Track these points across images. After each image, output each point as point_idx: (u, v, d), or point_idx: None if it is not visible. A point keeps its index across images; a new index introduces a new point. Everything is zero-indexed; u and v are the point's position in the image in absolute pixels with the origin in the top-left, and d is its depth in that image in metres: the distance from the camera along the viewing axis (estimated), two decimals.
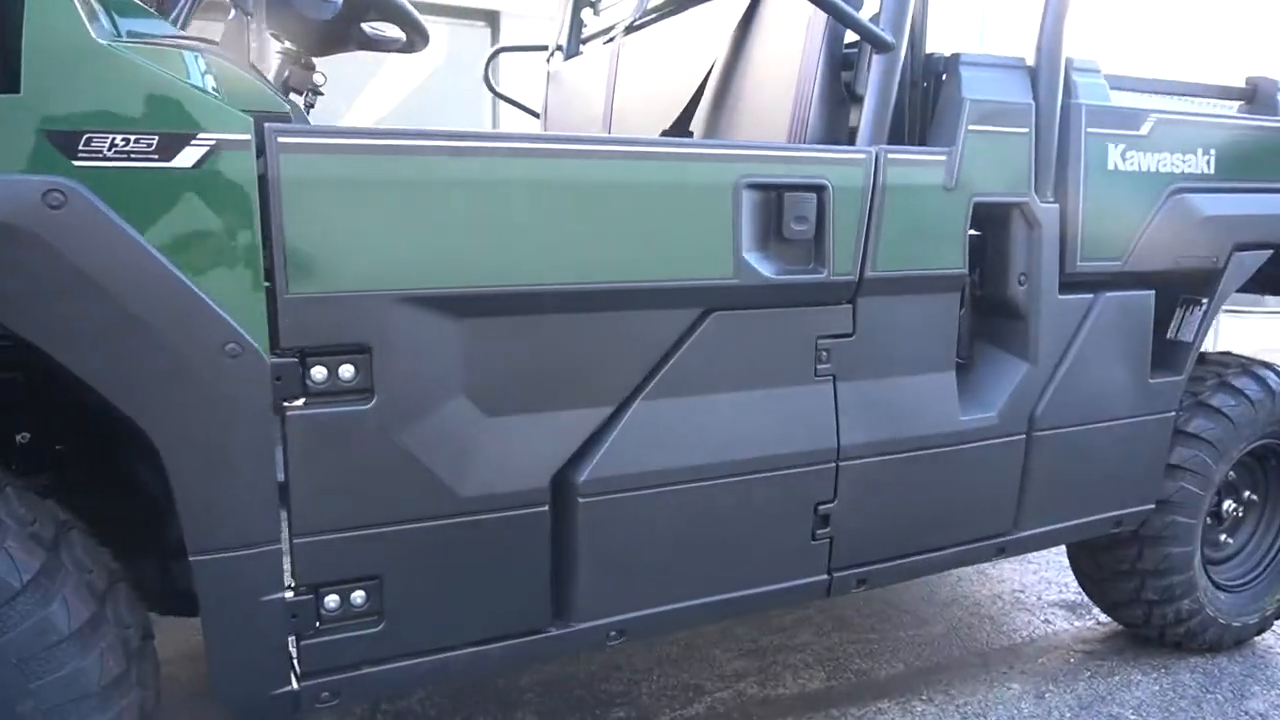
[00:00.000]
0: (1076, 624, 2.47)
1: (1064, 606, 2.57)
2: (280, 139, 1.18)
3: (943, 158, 1.63)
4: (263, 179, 1.18)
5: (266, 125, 1.18)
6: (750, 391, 1.54)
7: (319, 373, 1.25)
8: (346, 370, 1.27)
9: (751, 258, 1.48)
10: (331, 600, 1.30)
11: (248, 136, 1.16)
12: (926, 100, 1.74)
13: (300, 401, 1.25)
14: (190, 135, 1.13)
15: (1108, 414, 1.90)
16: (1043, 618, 2.50)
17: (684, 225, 1.43)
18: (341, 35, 1.61)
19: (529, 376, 1.38)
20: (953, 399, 1.72)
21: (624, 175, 1.38)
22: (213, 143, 1.14)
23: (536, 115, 3.04)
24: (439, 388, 1.32)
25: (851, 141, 1.63)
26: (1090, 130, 1.80)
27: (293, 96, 1.62)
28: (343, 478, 1.27)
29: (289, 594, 1.27)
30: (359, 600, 1.32)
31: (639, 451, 1.46)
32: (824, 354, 1.59)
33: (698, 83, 1.99)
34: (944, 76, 1.72)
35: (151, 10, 1.32)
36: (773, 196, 1.50)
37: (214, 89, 1.17)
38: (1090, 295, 1.85)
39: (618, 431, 1.45)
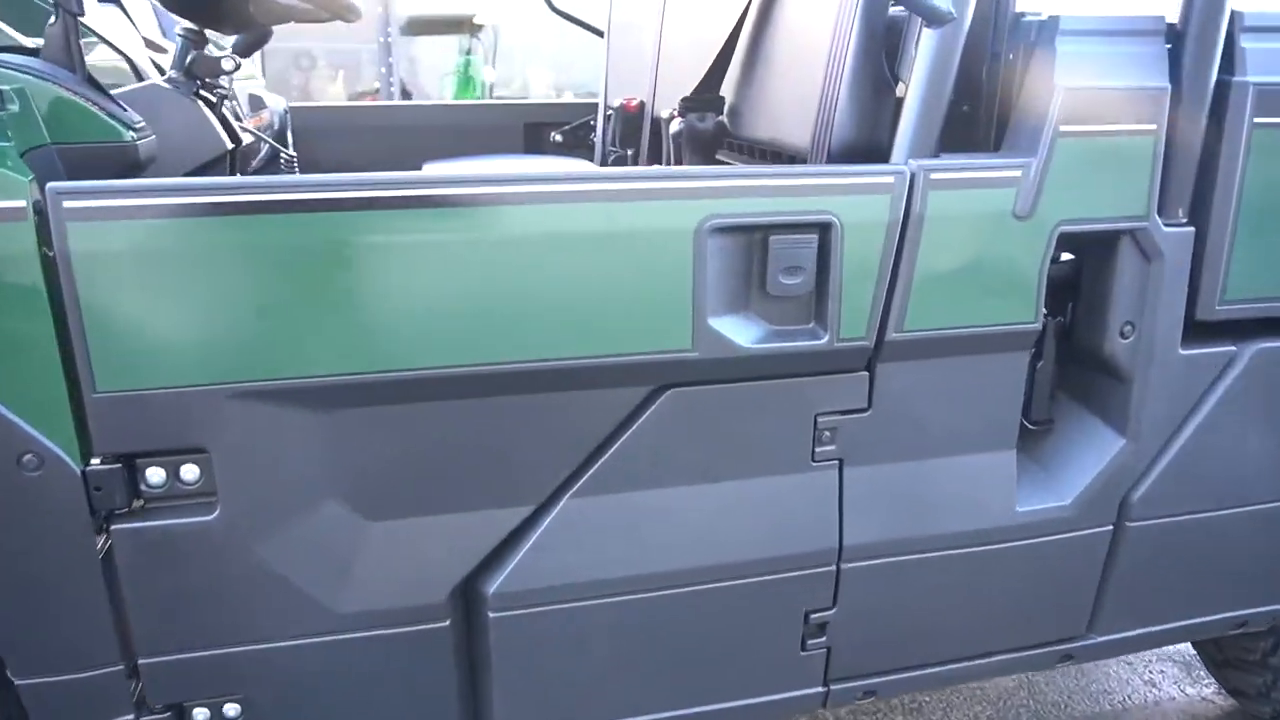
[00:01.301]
0: (1189, 691, 2.04)
1: (1175, 664, 2.13)
2: (67, 203, 0.93)
3: (1015, 173, 1.18)
4: (49, 254, 0.94)
5: (49, 187, 0.93)
6: (720, 483, 1.22)
7: (155, 475, 1.05)
8: (189, 471, 1.06)
9: (720, 324, 1.13)
10: (200, 714, 1.14)
11: (22, 203, 0.92)
12: (1009, 85, 1.26)
13: (132, 511, 1.05)
14: None
15: (1239, 498, 1.44)
16: (1146, 676, 2.08)
17: (620, 285, 1.09)
18: (243, 11, 1.32)
19: (420, 474, 1.12)
20: (1008, 484, 1.32)
21: (528, 223, 1.05)
22: None
23: (600, 33, 2.65)
24: (302, 491, 1.09)
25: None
26: (1260, 121, 1.26)
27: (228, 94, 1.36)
28: (189, 595, 1.08)
29: (147, 716, 1.12)
30: (233, 714, 1.15)
31: (567, 557, 1.19)
32: (826, 434, 1.23)
33: (727, 33, 1.56)
34: (1033, 50, 1.23)
35: None
36: (753, 240, 1.12)
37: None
38: (1230, 347, 1.35)
39: (539, 534, 1.17)
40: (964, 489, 1.30)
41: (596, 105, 2.64)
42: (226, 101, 1.40)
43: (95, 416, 0.99)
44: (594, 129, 2.55)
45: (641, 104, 2.14)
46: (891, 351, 1.20)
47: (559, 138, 2.64)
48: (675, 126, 1.63)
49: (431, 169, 2.32)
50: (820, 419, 1.22)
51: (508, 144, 2.63)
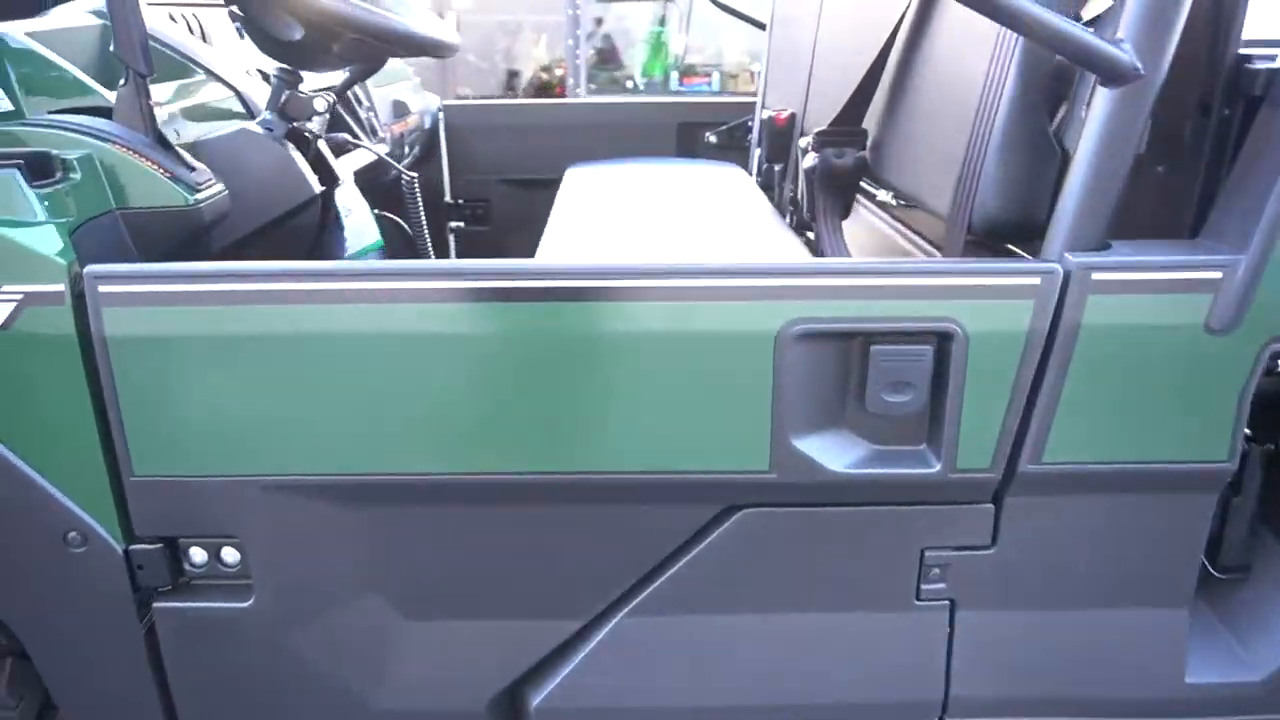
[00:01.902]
0: None
1: None
2: (103, 288, 0.90)
3: (1215, 274, 0.90)
4: (87, 337, 0.91)
5: (87, 271, 0.90)
6: (798, 615, 1.05)
7: (198, 555, 1.02)
8: (230, 554, 1.02)
9: (805, 444, 0.95)
10: None
11: (60, 287, 0.89)
12: (1221, 151, 0.97)
13: (175, 588, 1.03)
14: None
15: None
16: None
17: (686, 394, 0.93)
18: (328, 52, 1.24)
19: (464, 577, 1.03)
20: (1175, 648, 1.06)
21: (582, 322, 0.91)
22: (20, 296, 0.89)
23: (761, 26, 2.44)
24: (339, 585, 1.02)
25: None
26: None
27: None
28: (226, 676, 1.06)
29: None
30: None
31: (618, 679, 1.06)
32: (935, 571, 1.02)
33: (872, 59, 1.33)
34: (1260, 106, 0.93)
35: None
36: (850, 349, 0.93)
37: (64, 200, 0.93)
38: None
39: (589, 651, 1.05)
40: (1112, 649, 1.05)
41: (755, 105, 2.44)
42: (321, 141, 1.36)
43: (134, 500, 0.97)
44: (751, 130, 2.36)
45: (792, 117, 1.92)
46: (1025, 485, 0.97)
47: (714, 139, 2.47)
48: (809, 162, 1.42)
49: (577, 173, 2.22)
50: (929, 553, 1.01)
51: (660, 145, 2.49)
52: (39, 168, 0.94)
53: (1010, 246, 1.06)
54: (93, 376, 0.92)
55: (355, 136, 1.86)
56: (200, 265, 0.91)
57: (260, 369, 0.92)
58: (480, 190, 2.56)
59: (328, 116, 1.32)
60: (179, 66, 1.31)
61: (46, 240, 0.90)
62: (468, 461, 0.96)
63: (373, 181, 1.83)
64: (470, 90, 7.34)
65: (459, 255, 2.65)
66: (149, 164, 1.01)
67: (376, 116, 1.98)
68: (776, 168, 2.02)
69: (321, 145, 1.36)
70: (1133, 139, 0.88)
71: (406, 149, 2.19)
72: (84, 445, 0.94)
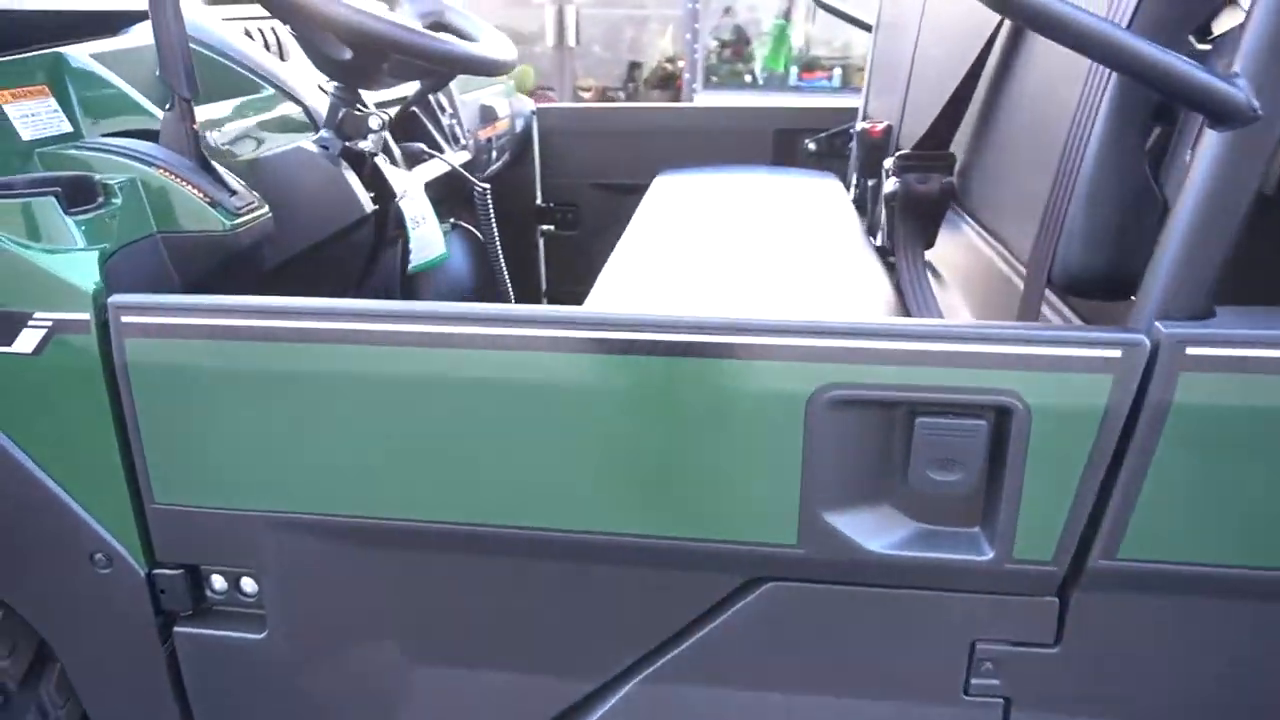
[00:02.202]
0: None
1: None
2: (125, 318, 0.90)
3: None
4: (110, 366, 0.92)
5: (111, 301, 0.90)
6: (830, 698, 0.95)
7: (218, 582, 1.02)
8: (248, 584, 1.02)
9: (837, 519, 0.85)
10: None
11: (86, 316, 0.90)
12: None
13: (196, 613, 1.03)
14: (26, 315, 0.90)
15: None
16: None
17: (706, 458, 0.85)
18: (379, 71, 1.22)
19: (477, 627, 0.99)
20: None
21: (598, 374, 0.85)
22: (49, 323, 0.90)
23: (867, 28, 2.30)
24: (351, 627, 1.00)
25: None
26: None
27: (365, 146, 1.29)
28: (242, 708, 1.05)
29: None
30: None
31: None
32: (987, 666, 0.91)
33: (965, 73, 1.21)
34: None
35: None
36: (891, 418, 0.83)
37: (101, 226, 0.94)
38: None
39: (600, 715, 0.99)
40: None
41: (858, 111, 2.30)
42: (379, 157, 1.34)
43: (156, 526, 0.98)
44: (852, 139, 2.22)
45: (889, 129, 1.79)
46: (1096, 581, 0.84)
47: (813, 146, 2.35)
48: (889, 187, 1.31)
49: (665, 181, 2.16)
50: (981, 645, 0.90)
51: (756, 152, 2.39)
52: (81, 192, 0.95)
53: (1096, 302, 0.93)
54: (116, 404, 0.93)
55: (435, 145, 1.85)
56: (222, 299, 0.89)
57: (277, 406, 0.90)
58: (571, 194, 2.53)
59: (384, 134, 1.30)
60: (248, 83, 1.32)
61: (78, 268, 0.91)
62: (485, 513, 0.91)
63: (456, 190, 1.81)
64: (594, 81, 7.37)
65: (547, 260, 2.64)
66: (190, 188, 1.01)
67: (460, 123, 1.96)
68: (870, 183, 1.89)
69: (379, 161, 1.34)
70: (1246, 190, 0.74)
71: (494, 154, 2.17)
72: (108, 470, 0.95)
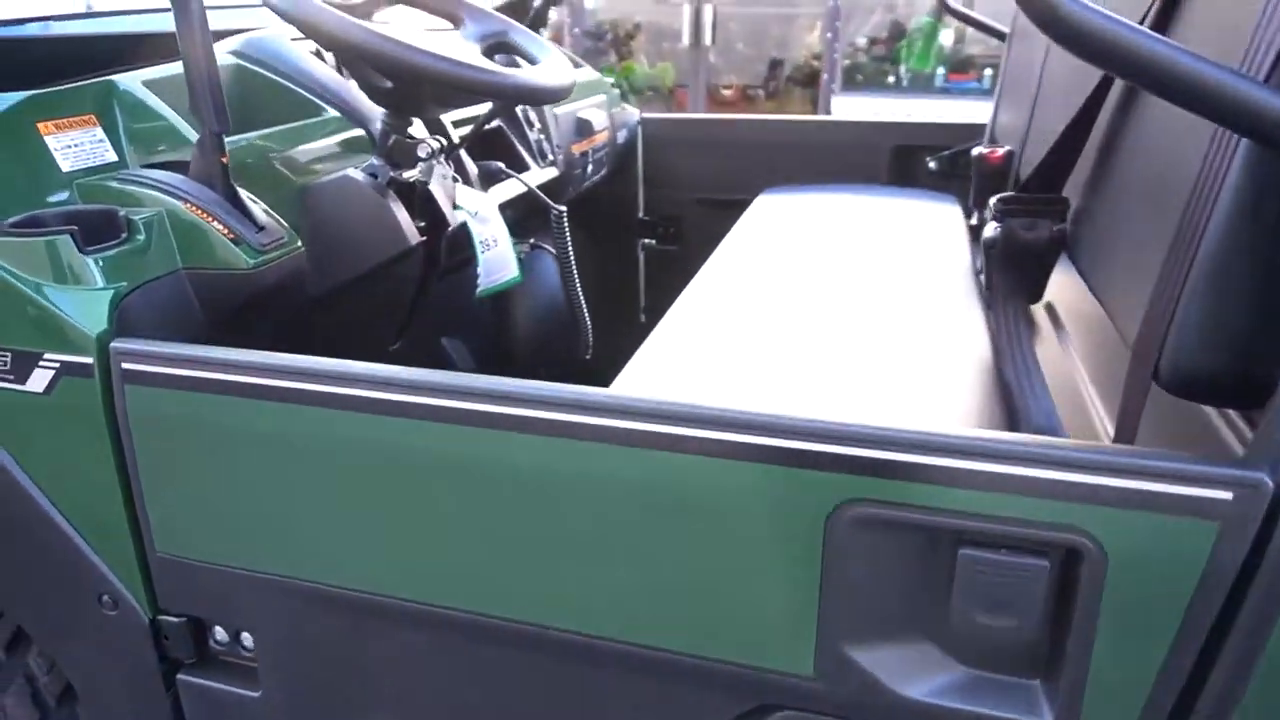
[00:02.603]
0: None
1: None
2: (125, 364, 0.87)
3: None
4: (112, 411, 0.89)
5: (112, 346, 0.87)
6: None
7: (220, 633, 0.99)
8: (248, 638, 0.98)
9: (860, 653, 0.72)
10: None
11: (89, 359, 0.88)
12: None
13: (200, 661, 1.00)
14: (38, 355, 0.89)
15: None
16: None
17: (712, 567, 0.74)
18: (421, 99, 1.14)
19: (468, 715, 0.91)
20: None
21: (580, 462, 0.74)
22: (58, 364, 0.89)
23: (1001, 37, 2.08)
24: (341, 697, 0.94)
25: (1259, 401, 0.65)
26: None
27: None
28: None
29: None
30: None
31: None
32: None
33: (1080, 107, 1.03)
34: None
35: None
36: (931, 546, 0.68)
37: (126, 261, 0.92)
38: None
39: None
40: None
41: (985, 128, 2.09)
42: (433, 184, 1.28)
43: (158, 575, 0.95)
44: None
45: (1009, 156, 1.59)
46: None
47: (934, 165, 2.15)
48: (989, 232, 1.14)
49: (767, 200, 2.03)
50: None
51: (873, 169, 2.21)
52: (104, 227, 0.93)
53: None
54: (118, 450, 0.90)
55: (520, 162, 1.79)
56: (216, 351, 0.85)
57: (270, 467, 0.85)
58: (674, 208, 2.43)
59: (433, 162, 1.24)
60: (310, 106, 1.29)
61: (87, 309, 0.89)
62: (481, 601, 0.83)
63: (540, 210, 1.75)
64: (735, 79, 7.24)
65: (647, 274, 2.55)
66: (215, 224, 0.98)
67: (550, 138, 1.90)
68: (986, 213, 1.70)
69: (435, 188, 1.28)
70: None
71: (590, 168, 2.10)
72: (113, 515, 0.93)
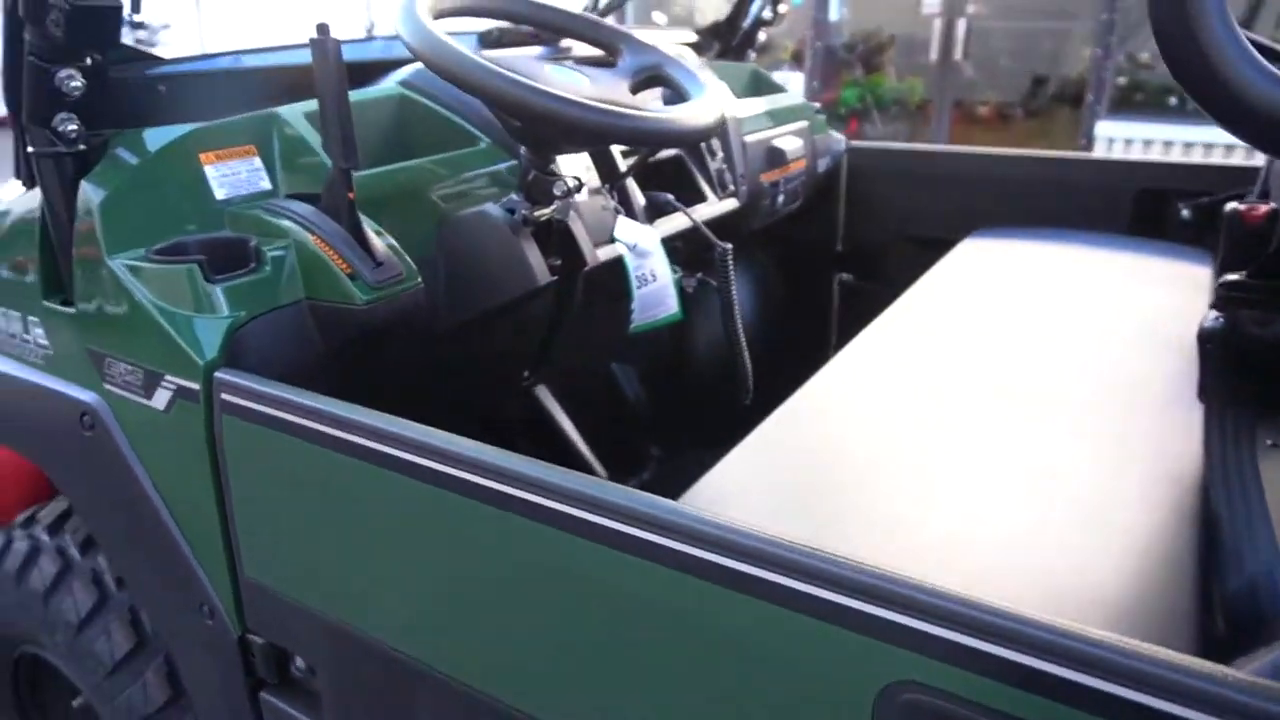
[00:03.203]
0: None
1: None
2: (224, 394, 0.89)
3: None
4: (213, 437, 0.92)
5: (216, 376, 0.90)
6: None
7: (300, 660, 1.00)
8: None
9: None
10: None
11: (197, 385, 0.91)
12: None
13: (282, 683, 1.02)
14: (162, 375, 0.94)
15: None
16: None
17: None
18: (552, 139, 1.08)
19: None
20: None
21: (649, 583, 0.65)
22: (175, 387, 0.94)
23: None
24: None
25: None
26: None
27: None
28: None
29: None
30: None
31: None
32: None
33: None
34: None
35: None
36: None
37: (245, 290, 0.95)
38: None
39: None
40: None
41: (1259, 172, 1.74)
42: (574, 222, 1.23)
43: (245, 597, 0.97)
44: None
45: (1274, 216, 1.29)
46: None
47: (1188, 214, 1.83)
48: (1208, 321, 0.91)
49: (975, 243, 1.82)
50: None
51: (1108, 215, 1.92)
52: (236, 256, 0.96)
53: None
54: (216, 475, 0.93)
55: (696, 191, 1.72)
56: (309, 398, 0.83)
57: (347, 519, 0.84)
58: (875, 243, 2.26)
59: (570, 200, 1.19)
60: (465, 136, 1.29)
61: (203, 336, 0.92)
62: (524, 699, 0.77)
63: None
64: (993, 96, 6.74)
65: (841, 310, 2.39)
66: (335, 258, 0.99)
67: (733, 168, 1.81)
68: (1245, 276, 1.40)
69: (574, 225, 1.23)
70: None
71: (781, 199, 1.98)
72: (212, 532, 0.96)
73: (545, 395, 1.69)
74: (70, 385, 1.03)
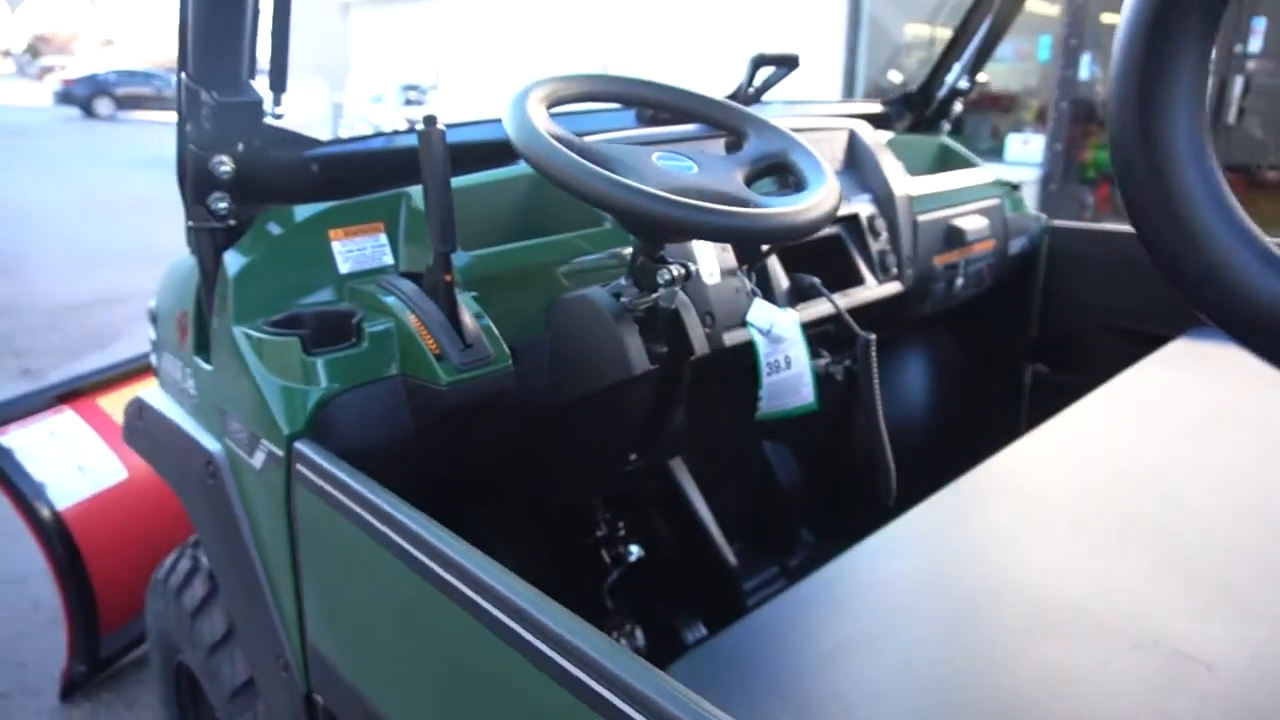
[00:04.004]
0: None
1: None
2: (299, 466, 0.95)
3: None
4: (290, 502, 0.98)
5: (295, 445, 0.96)
6: None
7: None
8: None
9: None
10: None
11: (280, 453, 0.98)
12: None
13: None
14: (259, 438, 1.02)
15: None
16: None
17: None
18: (650, 231, 1.03)
19: None
20: None
21: None
22: (267, 451, 1.01)
23: None
24: None
25: None
26: None
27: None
28: None
29: None
30: None
31: None
32: None
33: None
34: None
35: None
36: None
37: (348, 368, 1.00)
38: None
39: None
40: None
41: None
42: (685, 310, 1.19)
43: (310, 658, 1.02)
44: None
45: None
46: None
47: None
48: None
49: (1184, 345, 1.60)
50: None
51: None
52: (340, 330, 1.02)
53: None
54: (291, 539, 0.98)
55: (852, 273, 1.63)
56: (368, 488, 0.84)
57: (392, 614, 0.85)
58: (1075, 332, 2.04)
59: (676, 289, 1.16)
60: (589, 215, 1.31)
61: (293, 406, 0.98)
62: None
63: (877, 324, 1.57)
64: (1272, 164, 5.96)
65: (1032, 402, 2.16)
66: (427, 337, 1.02)
67: (897, 249, 1.70)
68: None
69: (685, 312, 1.20)
70: None
71: (957, 282, 1.84)
72: (289, 590, 1.02)
73: (680, 470, 1.66)
74: (204, 433, 1.14)
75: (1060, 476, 1.07)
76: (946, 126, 2.15)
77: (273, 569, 1.04)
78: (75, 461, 2.08)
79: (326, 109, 10.28)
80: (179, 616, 1.41)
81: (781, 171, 1.16)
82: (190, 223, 1.09)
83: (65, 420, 2.14)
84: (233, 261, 1.07)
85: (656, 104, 1.21)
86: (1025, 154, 5.96)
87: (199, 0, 0.92)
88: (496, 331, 1.06)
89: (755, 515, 1.95)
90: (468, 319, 1.04)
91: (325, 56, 14.05)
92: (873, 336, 1.42)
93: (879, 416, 1.44)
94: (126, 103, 20.36)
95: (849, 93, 7.33)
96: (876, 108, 2.08)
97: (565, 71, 1.16)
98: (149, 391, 1.33)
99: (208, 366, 1.14)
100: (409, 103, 7.51)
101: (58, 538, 1.96)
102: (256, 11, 1.00)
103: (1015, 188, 2.07)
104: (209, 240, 1.09)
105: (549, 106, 1.09)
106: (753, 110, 1.22)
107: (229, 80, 0.99)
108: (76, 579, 1.98)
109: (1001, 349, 2.14)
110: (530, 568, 1.36)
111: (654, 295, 1.13)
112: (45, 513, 1.94)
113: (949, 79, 2.06)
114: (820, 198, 1.04)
